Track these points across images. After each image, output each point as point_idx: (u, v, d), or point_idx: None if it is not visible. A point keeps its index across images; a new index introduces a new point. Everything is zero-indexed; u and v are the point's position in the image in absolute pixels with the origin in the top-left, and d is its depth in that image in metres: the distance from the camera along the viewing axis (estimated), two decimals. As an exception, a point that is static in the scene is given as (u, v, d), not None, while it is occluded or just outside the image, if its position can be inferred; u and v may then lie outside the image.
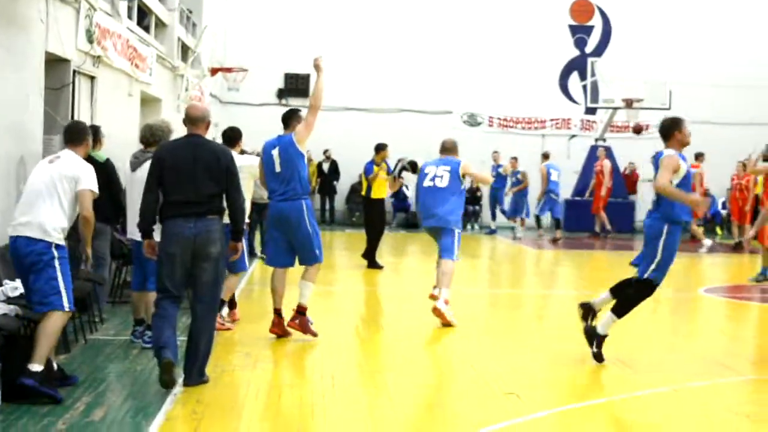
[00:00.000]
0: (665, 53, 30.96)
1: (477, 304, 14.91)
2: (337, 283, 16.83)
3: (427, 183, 12.39)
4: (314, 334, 10.88)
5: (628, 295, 9.93)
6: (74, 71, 12.80)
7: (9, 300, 8.91)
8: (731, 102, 31.45)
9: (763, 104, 31.69)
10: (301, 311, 10.87)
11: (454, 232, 12.27)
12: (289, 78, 31.63)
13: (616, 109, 28.72)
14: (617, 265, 21.70)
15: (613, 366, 10.12)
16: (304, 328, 10.85)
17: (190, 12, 23.40)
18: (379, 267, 18.29)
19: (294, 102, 31.26)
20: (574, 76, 31.98)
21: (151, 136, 10.16)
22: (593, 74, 29.11)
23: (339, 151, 30.36)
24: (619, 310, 9.88)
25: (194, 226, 8.43)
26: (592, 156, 28.84)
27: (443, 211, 12.24)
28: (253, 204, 13.47)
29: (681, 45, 31.58)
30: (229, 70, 25.92)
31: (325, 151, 30.55)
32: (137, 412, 7.65)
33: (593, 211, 27.25)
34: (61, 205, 8.23)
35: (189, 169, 8.47)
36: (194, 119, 8.73)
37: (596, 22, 32.38)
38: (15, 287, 9.18)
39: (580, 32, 32.33)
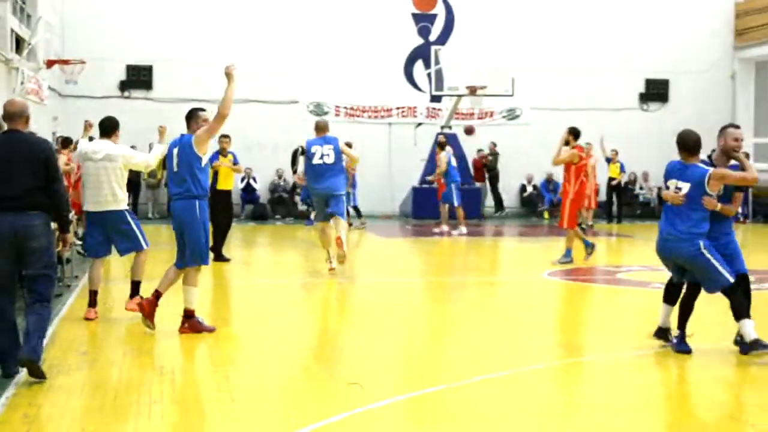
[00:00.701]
0: (508, 41, 31.40)
1: (327, 294, 14.88)
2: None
3: (317, 161, 15.79)
4: (210, 330, 10.95)
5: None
6: None
7: None
8: (571, 88, 32.13)
9: (602, 89, 32.49)
10: (188, 315, 10.90)
11: (342, 198, 15.83)
12: (131, 70, 30.96)
13: (460, 96, 28.98)
14: (464, 252, 21.98)
15: (455, 351, 10.20)
16: (196, 329, 10.85)
17: (24, 2, 22.71)
18: (225, 260, 17.98)
19: (137, 94, 30.84)
20: (419, 65, 32.17)
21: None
22: (437, 62, 29.36)
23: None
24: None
25: (13, 221, 8.35)
26: (438, 143, 29.03)
27: (334, 183, 15.76)
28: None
29: (522, 33, 32.03)
30: (66, 62, 25.26)
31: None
32: (-36, 420, 7.37)
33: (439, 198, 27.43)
34: None
35: (5, 164, 8.40)
36: (12, 115, 8.69)
37: (439, 10, 32.58)
38: None
39: (423, 21, 32.52)
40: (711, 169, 9.68)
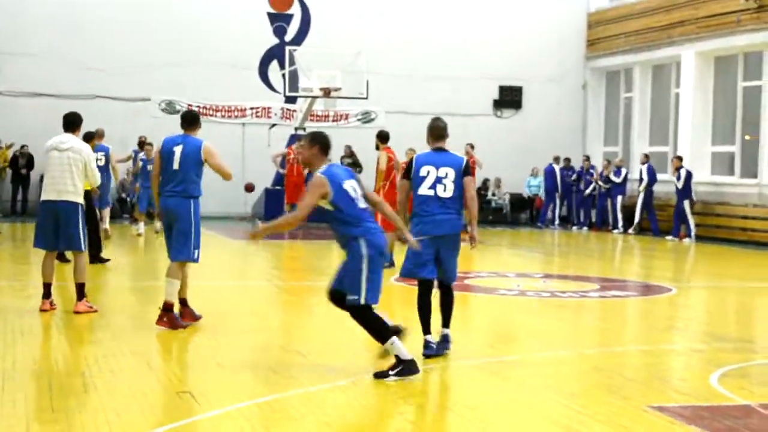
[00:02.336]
0: (364, 44, 31.08)
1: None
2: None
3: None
4: (184, 327, 11.25)
5: None
6: None
7: None
8: (426, 92, 32.18)
9: (457, 94, 32.65)
10: (167, 308, 11.25)
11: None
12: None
13: (314, 98, 28.73)
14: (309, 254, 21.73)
15: (291, 357, 9.92)
16: (173, 324, 11.20)
17: None
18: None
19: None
20: (274, 65, 31.84)
21: None
22: (292, 63, 29.02)
23: (36, 140, 28.31)
24: None
25: None
26: (292, 144, 28.72)
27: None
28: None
29: (379, 36, 31.93)
30: None
31: (23, 147, 28.95)
32: None
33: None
34: None
35: None
36: None
37: (295, 10, 32.33)
38: None
39: (279, 20, 32.18)
40: None
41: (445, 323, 10.22)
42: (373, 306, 8.92)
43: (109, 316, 12.39)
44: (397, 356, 8.86)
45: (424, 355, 9.77)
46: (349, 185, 8.92)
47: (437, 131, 10.42)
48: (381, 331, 8.90)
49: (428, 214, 9.95)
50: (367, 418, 7.88)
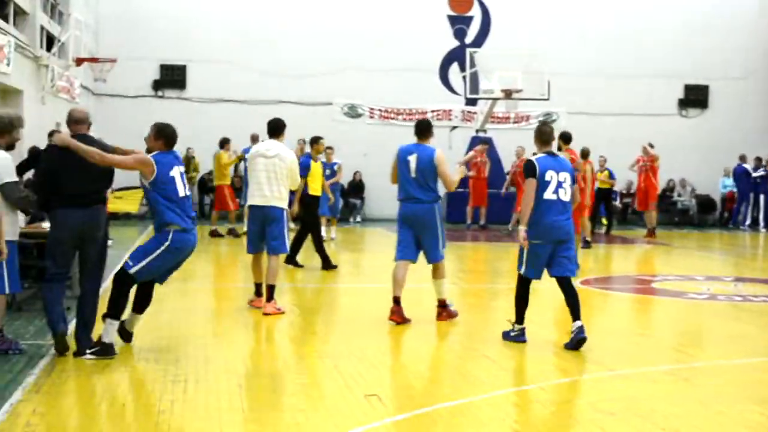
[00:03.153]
0: (545, 44, 30.80)
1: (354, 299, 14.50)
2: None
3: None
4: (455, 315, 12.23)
5: None
6: None
7: None
8: (608, 92, 31.67)
9: (640, 94, 32.01)
10: (442, 305, 12.19)
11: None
12: (165, 69, 30.79)
13: (495, 99, 28.53)
14: (496, 258, 21.54)
15: (482, 362, 9.81)
16: (451, 315, 12.17)
17: (56, 0, 22.55)
18: (300, 266, 17.15)
19: (170, 93, 30.61)
20: (455, 67, 31.80)
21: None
22: (473, 65, 28.88)
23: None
24: None
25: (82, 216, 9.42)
26: (473, 147, 28.54)
27: None
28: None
29: (560, 36, 31.62)
30: (95, 60, 25.04)
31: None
32: (-36, 427, 7.06)
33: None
34: None
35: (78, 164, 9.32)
36: (78, 120, 9.62)
37: (475, 12, 32.22)
38: None
39: (459, 23, 32.15)
40: None
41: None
42: None
43: (304, 316, 12.56)
44: (101, 337, 9.43)
45: (509, 339, 10.75)
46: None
47: (545, 136, 10.75)
48: (116, 306, 9.54)
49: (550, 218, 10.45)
50: (556, 425, 7.70)
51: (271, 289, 12.43)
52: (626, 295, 15.71)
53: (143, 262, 9.48)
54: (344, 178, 29.26)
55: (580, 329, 10.25)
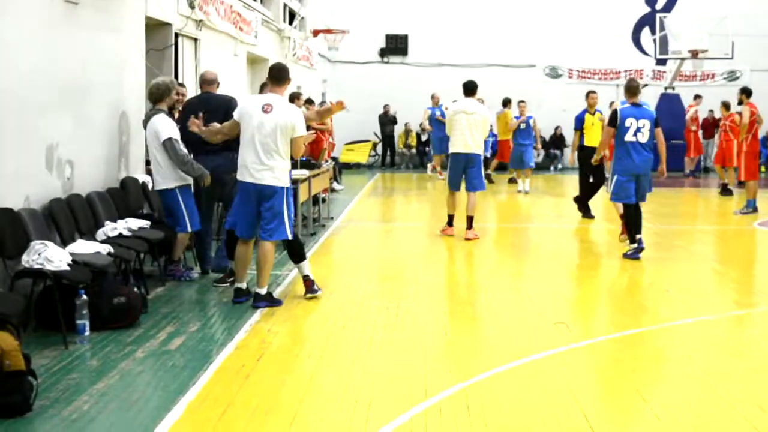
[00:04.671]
0: (729, 6, 29.40)
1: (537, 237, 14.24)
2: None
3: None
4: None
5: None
6: (176, 34, 12.38)
7: (108, 239, 8.62)
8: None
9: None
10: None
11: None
12: (390, 38, 30.89)
13: (683, 59, 27.42)
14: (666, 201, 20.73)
15: (663, 295, 9.45)
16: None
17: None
18: (591, 216, 15.88)
19: (394, 59, 30.74)
20: (646, 31, 30.62)
21: (157, 93, 9.65)
22: (662, 29, 27.81)
23: (441, 97, 28.67)
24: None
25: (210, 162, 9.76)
26: (663, 103, 27.47)
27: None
28: None
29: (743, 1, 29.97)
30: (329, 31, 25.31)
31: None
32: (211, 342, 7.27)
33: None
34: None
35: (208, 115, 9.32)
36: (209, 81, 10.09)
37: (666, -20, 30.88)
38: (114, 227, 8.90)
39: (651, -10, 30.92)
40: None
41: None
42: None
43: (497, 249, 12.45)
44: (306, 276, 8.96)
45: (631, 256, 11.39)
46: None
47: (632, 90, 11.42)
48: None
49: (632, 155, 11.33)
50: (733, 355, 7.30)
51: (470, 219, 13.22)
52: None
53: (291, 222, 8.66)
54: (546, 132, 28.82)
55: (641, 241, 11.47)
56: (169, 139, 9.41)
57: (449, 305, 8.92)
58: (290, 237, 8.56)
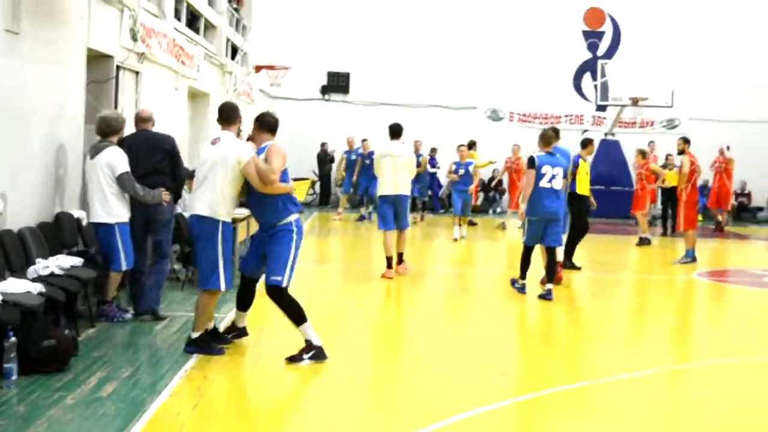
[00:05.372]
0: (670, 55, 30.03)
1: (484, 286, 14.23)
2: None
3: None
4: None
5: None
6: (117, 66, 12.21)
7: (39, 278, 8.38)
8: (732, 100, 30.45)
9: (758, 102, 30.64)
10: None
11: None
12: (331, 76, 30.91)
13: (623, 106, 27.82)
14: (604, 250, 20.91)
15: (596, 345, 9.44)
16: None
17: (237, 12, 22.79)
18: (576, 268, 15.23)
19: (336, 97, 30.77)
20: (587, 77, 31.02)
21: (107, 127, 9.52)
22: (603, 75, 28.18)
23: (383, 138, 28.63)
24: None
25: None
26: (603, 149, 27.79)
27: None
28: None
29: (685, 47, 30.53)
30: (271, 67, 25.23)
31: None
32: (144, 389, 7.06)
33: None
34: None
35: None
36: (144, 119, 10.05)
37: (607, 27, 31.34)
38: (46, 265, 8.66)
39: (592, 37, 31.36)
40: None
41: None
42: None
43: (436, 293, 12.39)
44: (308, 341, 8.10)
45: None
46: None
47: (546, 138, 12.24)
48: (297, 313, 8.16)
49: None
50: (674, 411, 7.27)
51: (400, 255, 13.95)
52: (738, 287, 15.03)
53: (288, 268, 8.09)
54: (485, 175, 28.99)
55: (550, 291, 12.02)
56: (126, 172, 9.33)
57: (386, 352, 8.81)
58: (222, 288, 8.16)
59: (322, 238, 20.02)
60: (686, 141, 17.73)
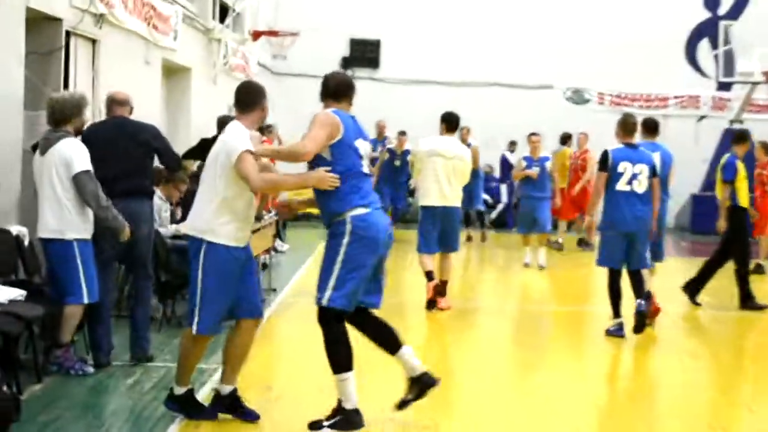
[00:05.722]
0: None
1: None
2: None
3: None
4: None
5: None
6: (67, 32, 12.37)
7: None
8: None
9: None
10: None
11: None
12: (356, 44, 31.10)
13: (755, 84, 27.77)
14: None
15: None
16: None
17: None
18: (697, 304, 15.57)
19: (361, 73, 30.85)
20: (704, 44, 31.04)
21: (61, 114, 9.52)
22: (727, 41, 28.18)
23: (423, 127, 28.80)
24: None
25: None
26: (726, 142, 27.77)
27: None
28: None
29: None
30: (274, 33, 25.41)
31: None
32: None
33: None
34: None
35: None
36: (120, 102, 10.20)
37: (733, -26, 31.43)
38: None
39: (712, -11, 31.45)
40: None
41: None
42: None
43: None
44: (339, 400, 7.94)
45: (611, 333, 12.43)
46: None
47: (626, 126, 12.47)
48: (337, 354, 7.92)
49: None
50: None
51: (444, 284, 14.27)
52: None
53: (332, 281, 7.85)
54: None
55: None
56: (86, 171, 9.34)
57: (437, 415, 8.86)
58: (194, 330, 8.02)
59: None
60: None
